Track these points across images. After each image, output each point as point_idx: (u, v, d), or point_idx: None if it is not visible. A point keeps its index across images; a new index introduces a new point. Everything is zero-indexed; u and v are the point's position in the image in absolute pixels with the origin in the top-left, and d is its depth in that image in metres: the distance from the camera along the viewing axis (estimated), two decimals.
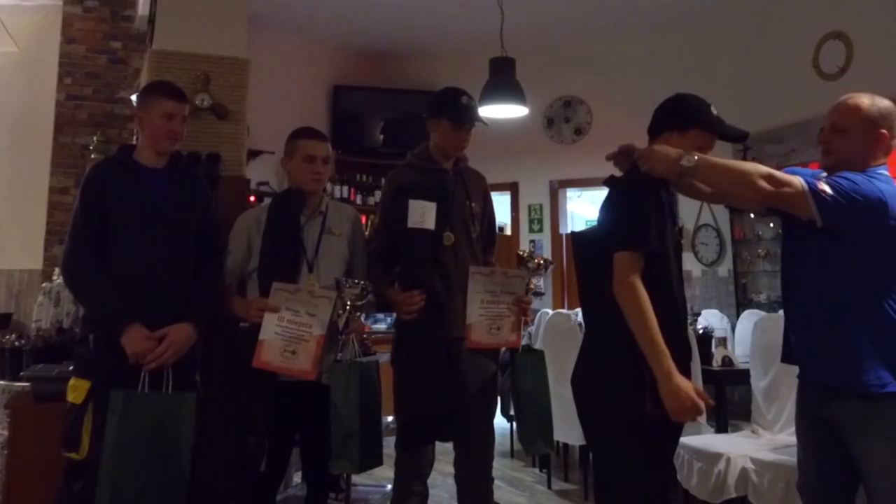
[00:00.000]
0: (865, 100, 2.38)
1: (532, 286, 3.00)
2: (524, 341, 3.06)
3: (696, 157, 2.25)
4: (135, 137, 3.21)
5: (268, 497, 2.87)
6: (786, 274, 2.49)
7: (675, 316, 2.28)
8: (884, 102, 2.39)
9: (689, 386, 2.14)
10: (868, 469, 2.21)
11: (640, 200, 2.28)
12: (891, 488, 2.16)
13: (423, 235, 2.97)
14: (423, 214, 2.97)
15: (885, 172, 2.38)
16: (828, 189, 2.23)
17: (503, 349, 3.13)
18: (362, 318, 2.93)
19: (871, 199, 2.23)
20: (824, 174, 2.39)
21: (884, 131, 2.36)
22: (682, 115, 2.43)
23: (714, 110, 2.45)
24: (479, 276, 2.92)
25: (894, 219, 2.24)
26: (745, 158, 6.85)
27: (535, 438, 2.98)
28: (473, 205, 3.08)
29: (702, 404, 2.13)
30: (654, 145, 2.35)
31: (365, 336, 3.63)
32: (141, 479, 2.43)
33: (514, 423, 3.05)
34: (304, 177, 2.91)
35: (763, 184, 2.24)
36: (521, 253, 3.06)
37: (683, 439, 3.85)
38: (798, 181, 2.24)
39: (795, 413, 2.50)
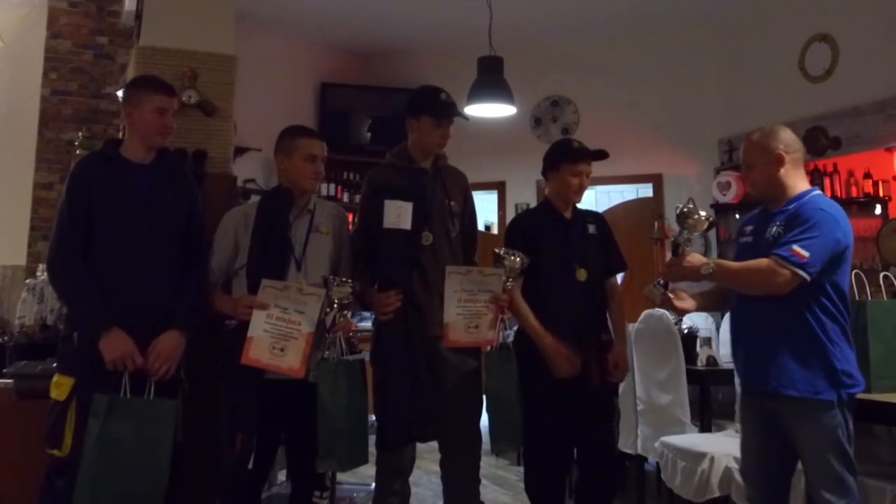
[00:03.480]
0: (756, 133, 2.78)
1: (509, 284, 3.00)
2: (509, 339, 3.06)
3: (712, 266, 2.63)
4: (120, 133, 3.20)
5: (253, 495, 2.86)
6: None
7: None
8: (770, 128, 2.76)
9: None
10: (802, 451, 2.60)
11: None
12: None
13: (400, 236, 2.96)
14: (398, 214, 2.96)
15: (818, 193, 2.72)
16: (804, 252, 2.52)
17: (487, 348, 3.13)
18: (349, 316, 2.92)
19: (833, 239, 2.56)
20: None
21: (779, 152, 2.68)
22: (549, 160, 3.25)
23: (575, 144, 3.24)
24: (455, 275, 2.91)
25: (843, 241, 2.59)
26: (730, 159, 6.91)
27: (498, 437, 2.98)
28: (453, 203, 3.07)
29: None
30: (684, 260, 2.67)
31: (351, 334, 3.63)
32: (119, 484, 2.43)
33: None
34: (305, 176, 2.91)
35: (779, 280, 2.52)
36: (497, 251, 3.06)
37: (667, 438, 3.88)
38: (779, 268, 2.52)
39: (740, 403, 2.85)
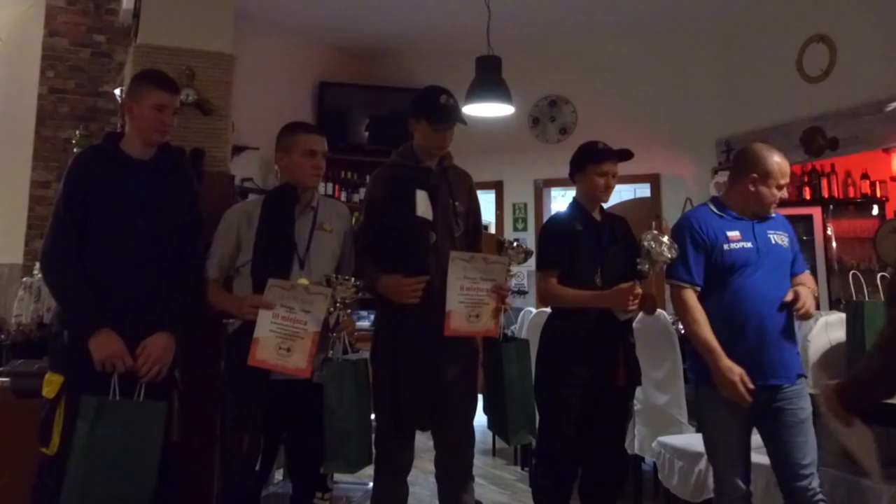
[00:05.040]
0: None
1: (511, 274, 2.99)
2: (508, 333, 3.05)
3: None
4: (119, 127, 3.19)
5: (254, 497, 2.86)
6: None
7: None
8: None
9: None
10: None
11: None
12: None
13: (425, 227, 2.96)
14: (428, 205, 2.98)
15: None
16: None
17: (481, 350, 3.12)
18: (350, 315, 2.91)
19: None
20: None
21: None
22: (575, 162, 3.32)
23: (600, 146, 3.28)
24: (459, 262, 2.89)
25: None
26: (727, 159, 6.91)
27: (519, 427, 2.96)
28: (457, 204, 3.07)
29: None
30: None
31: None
32: (108, 486, 2.41)
33: (493, 413, 3.04)
34: (305, 172, 2.89)
35: None
36: (502, 240, 3.07)
37: (664, 438, 3.87)
38: None
39: (713, 405, 2.88)
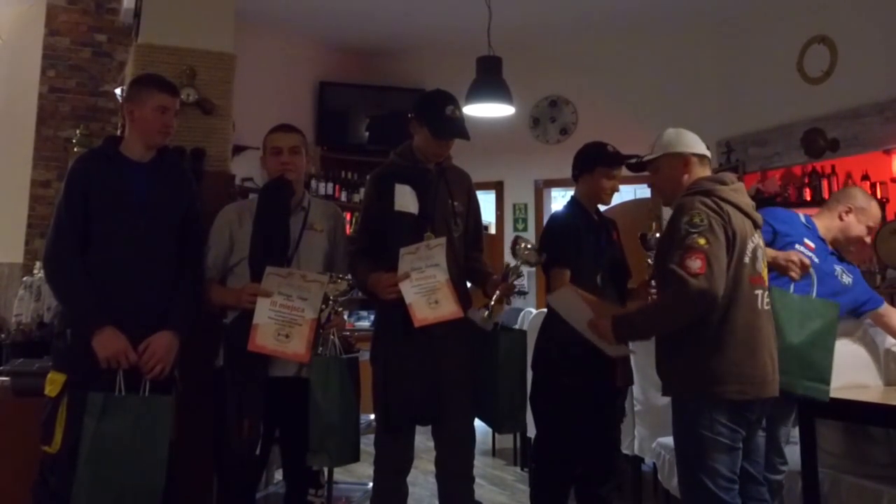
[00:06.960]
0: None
1: (522, 272, 2.98)
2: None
3: None
4: (119, 130, 3.19)
5: (248, 492, 2.88)
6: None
7: None
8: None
9: None
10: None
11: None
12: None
13: (409, 219, 2.96)
14: (411, 198, 2.97)
15: None
16: None
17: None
18: (345, 315, 2.92)
19: None
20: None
21: None
22: (583, 162, 3.23)
23: (610, 148, 3.19)
24: (407, 257, 2.88)
25: None
26: (728, 160, 6.92)
27: (504, 415, 2.99)
28: (456, 204, 3.07)
29: None
30: None
31: (348, 333, 3.63)
32: (118, 481, 2.43)
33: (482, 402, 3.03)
34: (275, 168, 2.93)
35: None
36: (518, 236, 3.02)
37: (663, 439, 3.87)
38: None
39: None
